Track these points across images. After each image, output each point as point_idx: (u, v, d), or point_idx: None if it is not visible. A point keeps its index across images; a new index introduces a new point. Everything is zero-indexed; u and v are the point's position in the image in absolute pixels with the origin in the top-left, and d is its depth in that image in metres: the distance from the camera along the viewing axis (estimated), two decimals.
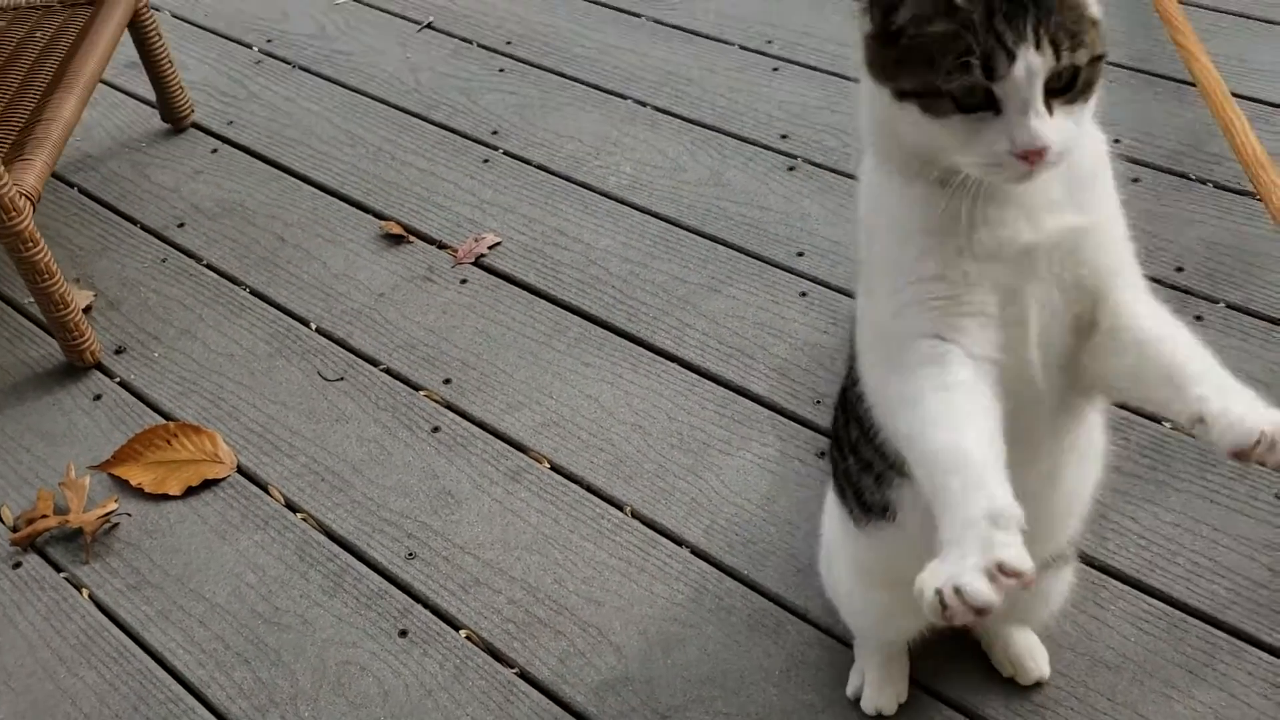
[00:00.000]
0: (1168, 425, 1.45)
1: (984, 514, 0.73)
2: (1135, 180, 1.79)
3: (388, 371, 1.70)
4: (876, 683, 1.21)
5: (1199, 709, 1.18)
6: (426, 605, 1.40)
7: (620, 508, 1.47)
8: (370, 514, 1.51)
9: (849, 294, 1.69)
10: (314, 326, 1.78)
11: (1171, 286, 1.61)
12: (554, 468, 1.54)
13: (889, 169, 0.82)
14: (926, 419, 0.80)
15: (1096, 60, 0.76)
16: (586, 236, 1.88)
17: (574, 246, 1.86)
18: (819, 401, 1.55)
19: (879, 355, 0.89)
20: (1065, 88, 0.75)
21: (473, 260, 1.86)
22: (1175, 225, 1.72)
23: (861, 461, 0.99)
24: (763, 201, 1.90)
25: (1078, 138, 0.77)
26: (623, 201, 1.94)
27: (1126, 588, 1.29)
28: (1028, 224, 0.81)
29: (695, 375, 1.62)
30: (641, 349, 1.67)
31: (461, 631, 1.37)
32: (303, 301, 1.82)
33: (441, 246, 1.90)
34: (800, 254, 1.79)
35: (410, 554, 1.45)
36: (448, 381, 1.67)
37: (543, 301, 1.78)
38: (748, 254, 1.80)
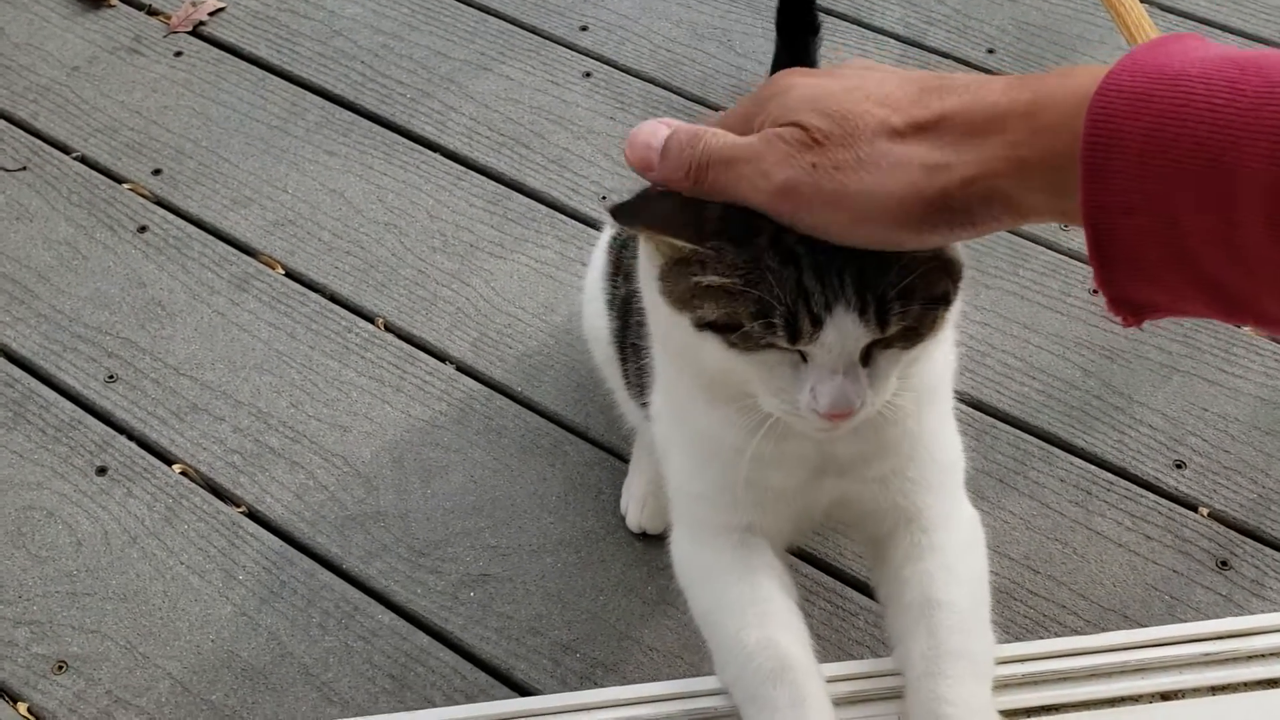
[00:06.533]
0: None
1: None
2: None
3: (83, 160, 1.41)
4: (640, 498, 1.08)
5: (1009, 520, 1.09)
6: (131, 436, 1.16)
7: (371, 320, 1.26)
8: (60, 330, 1.24)
9: (638, 75, 1.50)
10: None
11: (981, 69, 1.47)
12: (289, 274, 1.30)
13: (691, 391, 0.73)
14: (731, 606, 0.75)
15: (949, 305, 0.63)
16: (330, 2, 1.60)
17: (315, 14, 1.58)
18: (604, 197, 1.36)
19: (674, 499, 0.82)
20: (898, 339, 0.63)
21: (190, 29, 1.56)
22: (986, 4, 1.58)
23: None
24: None
25: (912, 375, 0.67)
26: None
27: None
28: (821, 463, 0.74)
29: (461, 167, 1.41)
30: (397, 135, 1.44)
31: (175, 466, 1.14)
32: None
33: (152, 12, 1.59)
34: (584, 28, 1.56)
35: (111, 376, 1.21)
36: (158, 172, 1.40)
37: (276, 79, 1.50)
38: (523, 27, 1.57)
